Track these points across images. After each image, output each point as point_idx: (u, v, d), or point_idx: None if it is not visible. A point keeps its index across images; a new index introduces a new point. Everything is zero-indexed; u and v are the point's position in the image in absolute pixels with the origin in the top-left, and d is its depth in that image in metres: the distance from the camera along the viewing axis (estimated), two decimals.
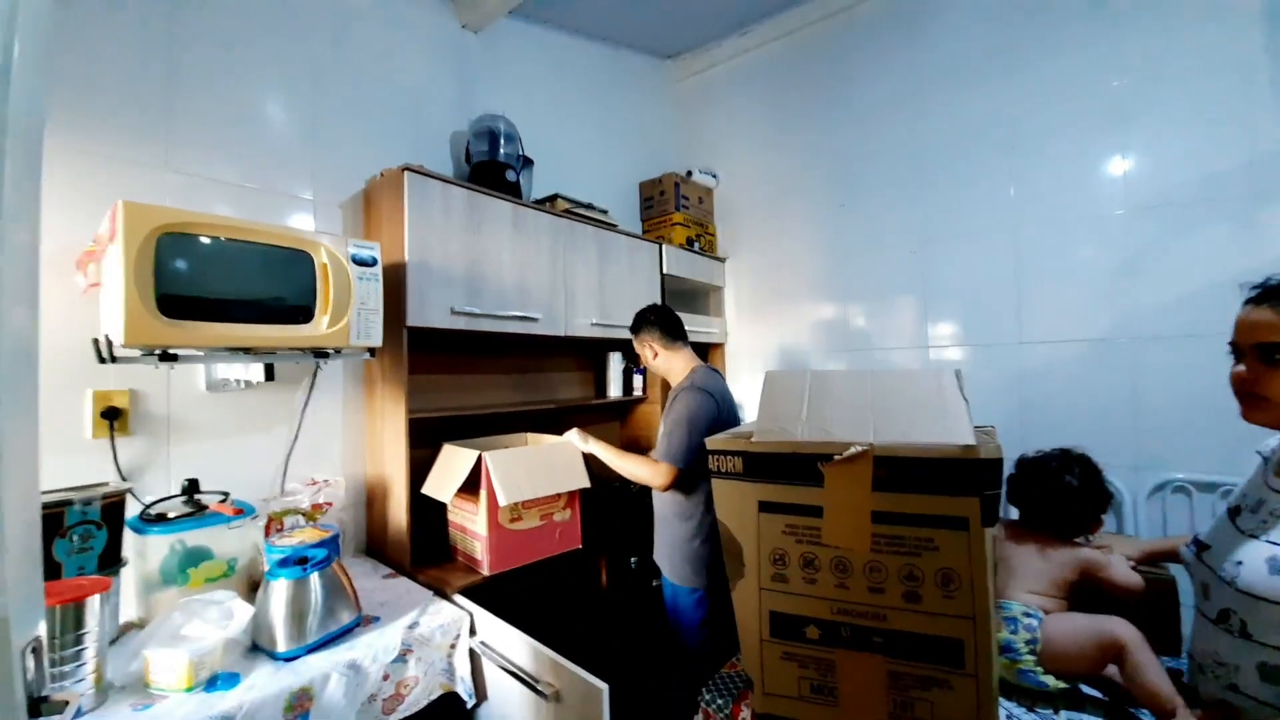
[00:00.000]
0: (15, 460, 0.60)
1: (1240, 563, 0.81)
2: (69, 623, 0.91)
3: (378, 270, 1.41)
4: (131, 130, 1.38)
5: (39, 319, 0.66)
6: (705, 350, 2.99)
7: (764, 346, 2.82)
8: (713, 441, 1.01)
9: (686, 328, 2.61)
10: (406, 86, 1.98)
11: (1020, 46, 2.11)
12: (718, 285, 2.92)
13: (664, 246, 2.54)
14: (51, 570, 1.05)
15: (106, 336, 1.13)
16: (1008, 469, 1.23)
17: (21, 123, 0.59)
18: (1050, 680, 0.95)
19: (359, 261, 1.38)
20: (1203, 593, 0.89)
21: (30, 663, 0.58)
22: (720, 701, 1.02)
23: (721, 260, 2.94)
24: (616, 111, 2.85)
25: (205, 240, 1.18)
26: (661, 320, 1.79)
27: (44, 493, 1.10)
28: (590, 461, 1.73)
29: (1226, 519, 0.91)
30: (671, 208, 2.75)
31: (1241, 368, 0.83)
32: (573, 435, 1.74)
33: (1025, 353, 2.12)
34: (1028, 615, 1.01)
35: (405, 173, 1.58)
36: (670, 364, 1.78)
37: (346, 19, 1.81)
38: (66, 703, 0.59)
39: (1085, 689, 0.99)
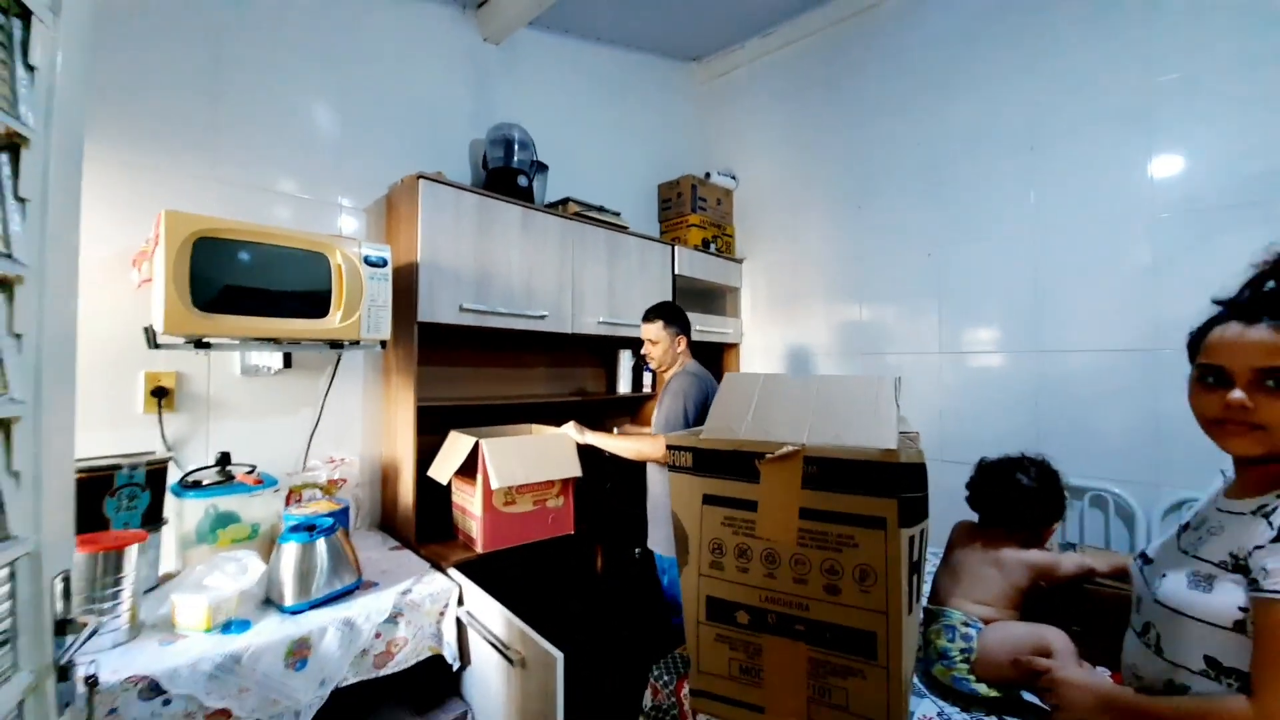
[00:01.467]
0: (55, 425, 0.74)
1: (1164, 575, 0.81)
2: (109, 568, 1.08)
3: (388, 271, 1.55)
4: (182, 145, 1.58)
5: (78, 310, 0.80)
6: (720, 351, 3.03)
7: (779, 348, 2.84)
8: (670, 438, 1.08)
9: (701, 328, 2.71)
10: (430, 99, 2.12)
11: (1041, 43, 2.06)
12: (734, 286, 2.96)
13: (677, 248, 2.60)
14: (101, 524, 1.23)
15: (152, 326, 1.31)
16: (968, 473, 1.24)
17: (63, 138, 0.73)
18: (982, 688, 0.98)
19: (370, 262, 1.52)
20: (1135, 606, 0.89)
21: (59, 590, 0.73)
22: (667, 678, 1.10)
23: (739, 261, 2.97)
24: (638, 115, 2.92)
25: (234, 243, 1.34)
26: (686, 318, 1.98)
27: (97, 458, 1.29)
28: (595, 455, 1.84)
29: (1174, 535, 0.91)
30: (688, 209, 2.81)
31: (1238, 394, 0.75)
32: (569, 428, 1.84)
33: (1043, 361, 2.06)
34: (966, 625, 1.03)
35: (420, 180, 1.72)
36: (682, 357, 1.95)
37: (374, 39, 1.97)
38: (85, 624, 0.72)
39: (1028, 697, 1.00)
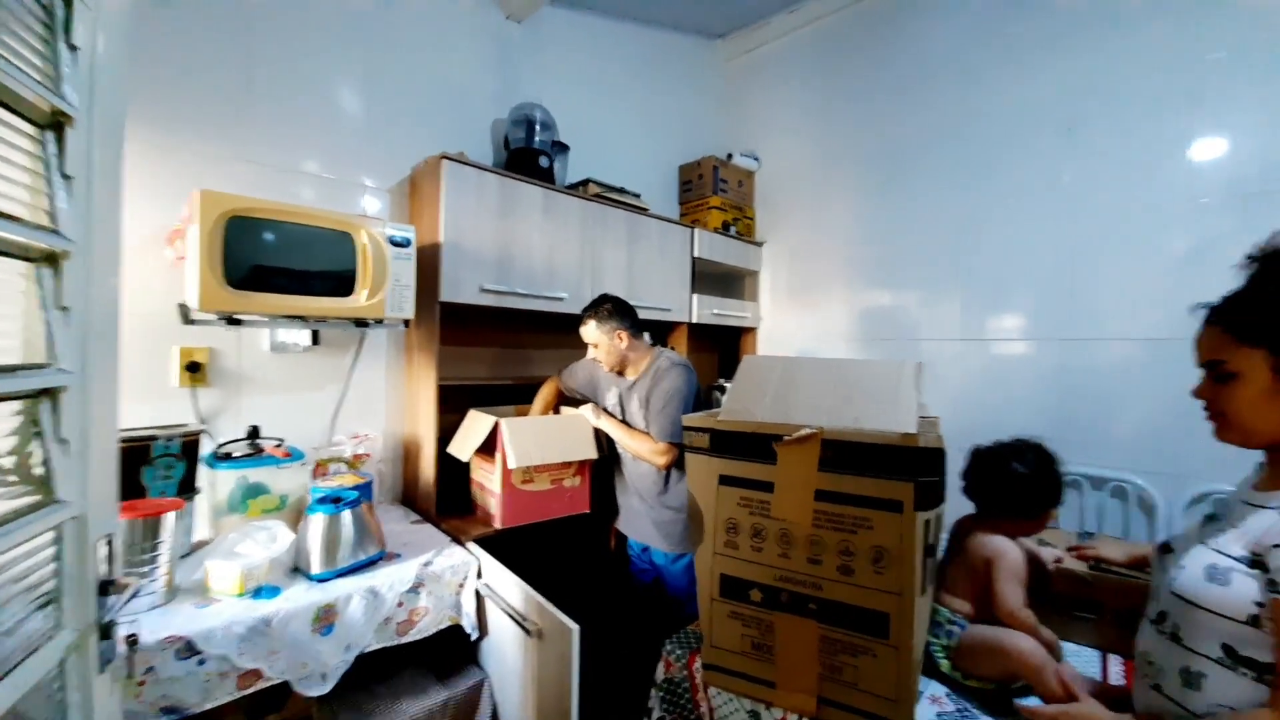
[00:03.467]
0: (100, 395, 0.78)
1: (1183, 566, 0.81)
2: (147, 533, 1.13)
3: (411, 251, 1.57)
4: (213, 126, 1.60)
5: (121, 285, 0.83)
6: (739, 335, 3.02)
7: (799, 332, 2.82)
8: (687, 419, 1.09)
9: (719, 311, 2.69)
10: (452, 77, 2.12)
11: (1081, 19, 1.98)
12: (753, 270, 2.93)
13: (697, 230, 2.58)
14: (139, 492, 1.29)
15: (186, 302, 1.35)
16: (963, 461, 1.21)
17: (106, 117, 0.75)
18: (972, 681, 0.99)
19: (395, 242, 1.54)
20: (1154, 594, 0.88)
21: (103, 552, 0.77)
22: (679, 652, 1.12)
23: (759, 244, 2.95)
24: (660, 94, 2.89)
25: (265, 222, 1.37)
26: (626, 308, 1.80)
27: (135, 429, 1.34)
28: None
29: (1198, 525, 0.90)
30: (709, 191, 2.78)
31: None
32: (586, 410, 1.85)
33: (1069, 349, 2.02)
34: (952, 622, 1.03)
35: (443, 161, 1.73)
36: (636, 349, 1.79)
37: (397, 18, 1.96)
38: (128, 585, 0.76)
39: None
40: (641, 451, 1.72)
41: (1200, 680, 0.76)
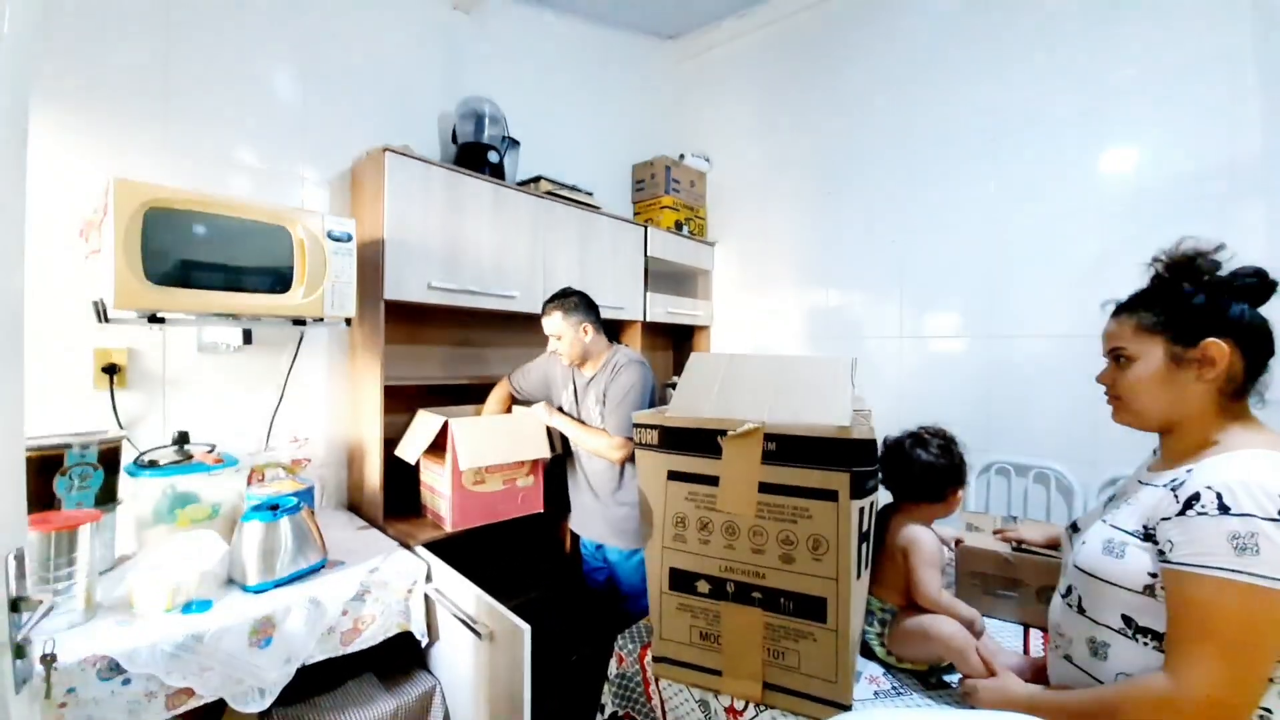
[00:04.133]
0: (3, 401, 0.72)
1: (1084, 542, 0.88)
2: (62, 548, 1.05)
3: (352, 246, 1.52)
4: (132, 109, 1.50)
5: (24, 282, 0.77)
6: (691, 333, 3.06)
7: (750, 331, 2.89)
8: (637, 416, 1.10)
9: (672, 310, 2.72)
10: (397, 67, 2.06)
11: (1006, 38, 2.11)
12: (705, 269, 2.98)
13: (649, 229, 2.60)
14: (53, 504, 1.20)
15: (102, 300, 1.26)
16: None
17: (8, 101, 0.70)
18: (906, 665, 1.05)
19: (334, 237, 1.49)
20: (1063, 570, 0.96)
21: (12, 568, 0.71)
22: (631, 646, 1.14)
23: (710, 244, 3.00)
24: (613, 93, 2.89)
25: (189, 214, 1.29)
26: (591, 303, 1.83)
27: (46, 436, 1.25)
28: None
29: (1102, 505, 0.98)
30: (661, 191, 2.81)
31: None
32: (539, 409, 1.84)
33: (995, 346, 2.15)
34: (883, 610, 1.09)
35: (386, 153, 1.68)
36: (597, 344, 1.82)
37: (335, 2, 1.89)
38: (40, 602, 0.71)
39: None
40: (597, 447, 1.72)
41: (1105, 650, 0.82)
